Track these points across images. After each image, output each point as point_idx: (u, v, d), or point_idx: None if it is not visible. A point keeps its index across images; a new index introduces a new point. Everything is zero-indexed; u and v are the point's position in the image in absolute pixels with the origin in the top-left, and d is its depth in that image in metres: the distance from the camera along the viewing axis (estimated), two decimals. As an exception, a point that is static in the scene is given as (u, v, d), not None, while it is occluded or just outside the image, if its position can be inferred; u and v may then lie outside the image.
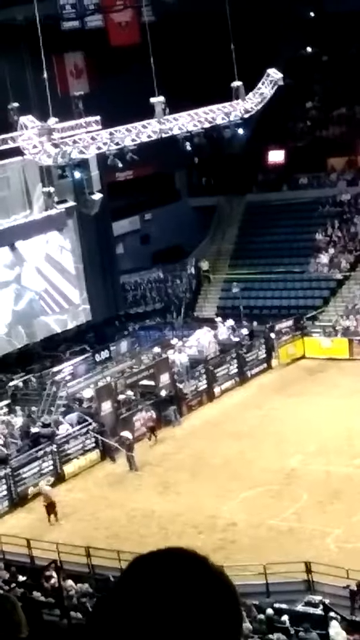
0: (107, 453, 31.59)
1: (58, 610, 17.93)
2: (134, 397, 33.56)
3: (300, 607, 20.17)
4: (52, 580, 21.04)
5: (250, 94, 36.28)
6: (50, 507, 27.32)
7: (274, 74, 36.34)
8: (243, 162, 46.89)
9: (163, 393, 33.92)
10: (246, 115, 36.56)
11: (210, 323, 39.96)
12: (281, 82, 36.38)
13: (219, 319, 40.08)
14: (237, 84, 35.73)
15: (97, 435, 31.65)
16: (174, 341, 38.45)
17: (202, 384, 35.86)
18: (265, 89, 36.38)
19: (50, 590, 20.57)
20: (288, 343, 38.75)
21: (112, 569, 22.40)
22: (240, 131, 37.20)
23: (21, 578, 22.05)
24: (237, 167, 47.21)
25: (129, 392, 33.46)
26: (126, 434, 30.84)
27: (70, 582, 21.51)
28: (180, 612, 1.80)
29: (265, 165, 49.27)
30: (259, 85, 36.39)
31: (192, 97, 35.88)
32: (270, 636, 18.08)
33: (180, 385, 34.65)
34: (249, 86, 36.30)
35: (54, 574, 21.43)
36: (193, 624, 1.80)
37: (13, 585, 20.96)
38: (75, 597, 20.40)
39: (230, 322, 39.58)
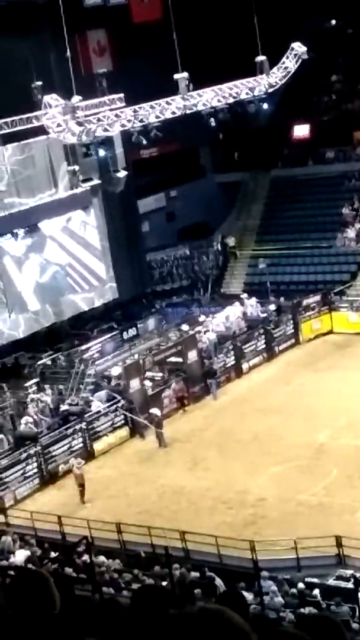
0: (136, 430, 31.71)
1: (90, 586, 18.05)
2: (159, 376, 33.63)
3: (331, 581, 20.23)
4: (84, 557, 21.20)
5: (275, 69, 36.10)
6: (82, 488, 27.46)
7: (298, 48, 36.12)
8: (268, 137, 46.64)
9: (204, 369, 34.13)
10: (270, 90, 36.38)
11: (237, 299, 39.84)
12: (305, 56, 36.15)
13: (244, 295, 39.96)
14: (261, 58, 35.55)
15: (126, 412, 31.78)
16: (202, 318, 38.46)
17: (230, 360, 35.87)
18: (290, 63, 36.17)
19: (82, 566, 20.73)
20: (313, 318, 38.64)
21: (143, 544, 22.58)
22: (265, 106, 37.01)
23: (53, 554, 22.24)
24: (262, 142, 46.97)
25: (151, 374, 33.48)
26: (155, 411, 30.94)
27: (102, 558, 21.68)
28: None
29: (291, 140, 48.96)
30: (283, 59, 36.20)
31: (216, 73, 35.68)
32: (302, 610, 18.15)
33: (208, 362, 34.70)
34: (273, 61, 36.10)
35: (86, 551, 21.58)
36: None
37: (46, 561, 21.15)
38: (106, 573, 20.55)
39: (254, 300, 39.40)
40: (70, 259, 37.32)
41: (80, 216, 37.66)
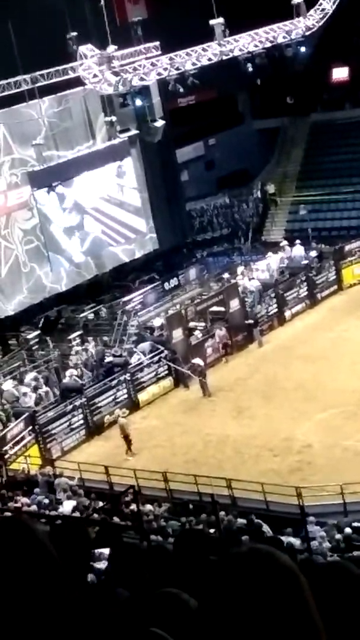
0: (180, 380, 31.80)
1: (138, 534, 18.24)
2: (202, 326, 33.57)
3: (378, 526, 20.24)
4: (132, 506, 21.39)
5: (312, 10, 35.57)
6: (127, 439, 27.54)
7: (335, -12, 35.52)
8: (306, 81, 46.00)
9: (250, 321, 34.06)
10: (308, 33, 35.88)
11: (277, 247, 39.56)
12: (343, -4, 35.56)
13: (284, 243, 39.64)
14: (297, 0, 35.00)
15: (169, 362, 31.85)
16: (242, 266, 38.28)
17: (273, 308, 35.76)
18: (327, 4, 35.60)
19: (130, 514, 20.92)
20: (354, 264, 38.31)
21: (190, 492, 22.73)
22: (303, 49, 36.50)
23: (100, 504, 22.45)
24: (300, 87, 46.36)
25: (194, 323, 33.42)
26: (198, 360, 30.96)
27: (149, 506, 21.86)
28: None
29: (330, 83, 48.26)
30: (320, 0, 35.60)
31: (252, 17, 35.17)
32: (350, 554, 18.20)
33: (251, 311, 34.64)
34: (310, 2, 35.52)
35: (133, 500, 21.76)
36: None
37: (93, 511, 21.36)
38: (154, 521, 20.73)
39: (298, 244, 39.04)
40: (109, 212, 37.14)
41: (118, 167, 37.45)
